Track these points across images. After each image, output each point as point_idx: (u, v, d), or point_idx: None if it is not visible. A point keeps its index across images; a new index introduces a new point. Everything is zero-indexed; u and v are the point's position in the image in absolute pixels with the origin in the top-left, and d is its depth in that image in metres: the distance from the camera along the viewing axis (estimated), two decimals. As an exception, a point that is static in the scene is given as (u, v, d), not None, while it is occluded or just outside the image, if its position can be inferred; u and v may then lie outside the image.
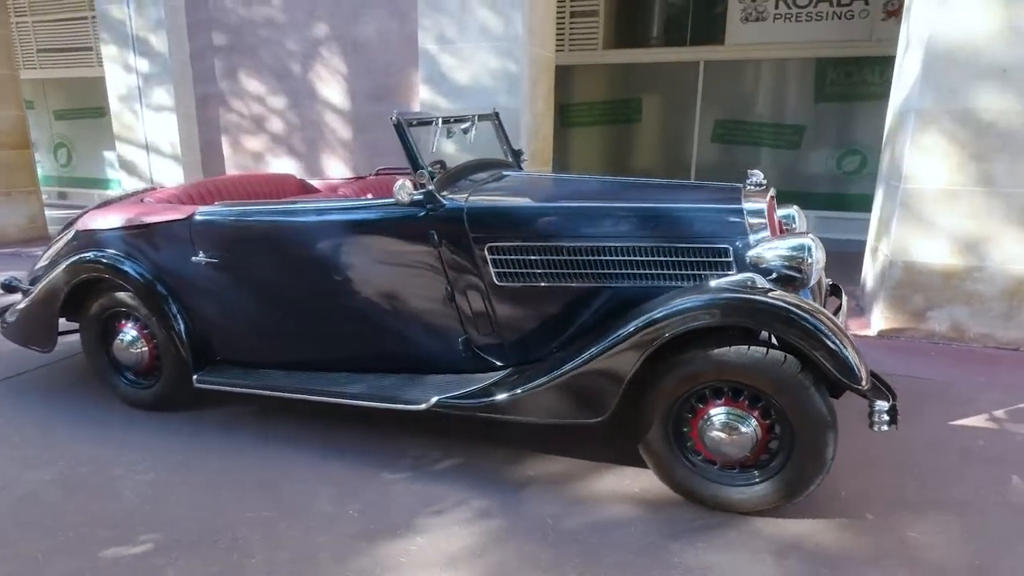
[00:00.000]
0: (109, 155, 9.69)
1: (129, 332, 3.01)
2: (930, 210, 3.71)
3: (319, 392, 2.64)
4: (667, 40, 7.10)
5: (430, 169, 2.50)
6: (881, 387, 2.12)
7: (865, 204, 6.25)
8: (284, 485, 2.45)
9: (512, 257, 2.47)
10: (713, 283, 2.17)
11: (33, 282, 3.25)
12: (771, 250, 2.29)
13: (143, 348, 2.99)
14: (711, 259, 2.35)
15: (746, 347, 2.05)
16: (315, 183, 3.93)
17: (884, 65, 6.40)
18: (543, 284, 2.47)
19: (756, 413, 2.13)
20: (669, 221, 2.39)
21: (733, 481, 2.20)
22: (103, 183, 10.22)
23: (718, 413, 2.15)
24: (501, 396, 2.34)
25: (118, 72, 5.80)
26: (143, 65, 5.63)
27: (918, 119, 3.64)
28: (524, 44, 4.50)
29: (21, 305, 3.20)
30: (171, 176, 5.82)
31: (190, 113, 5.79)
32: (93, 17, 8.99)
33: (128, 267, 2.85)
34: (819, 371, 2.01)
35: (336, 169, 5.50)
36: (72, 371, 3.60)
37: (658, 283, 2.39)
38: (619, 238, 2.40)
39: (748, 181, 2.58)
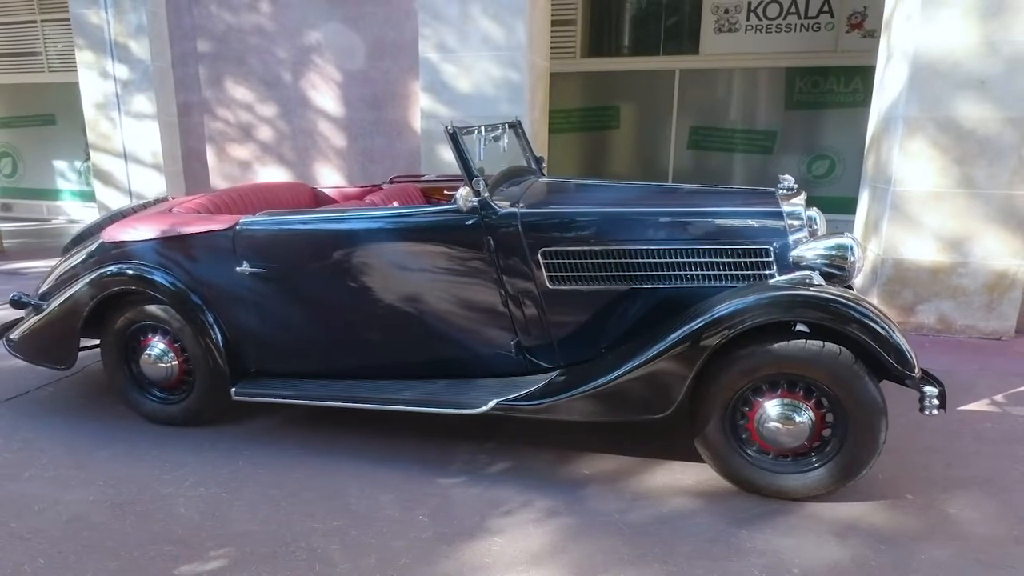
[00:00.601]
0: (59, 165, 9.27)
1: (156, 346, 2.93)
2: (918, 211, 3.97)
3: (369, 400, 2.63)
4: (643, 49, 7.31)
5: (484, 178, 2.54)
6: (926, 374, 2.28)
7: (835, 206, 6.61)
8: (343, 494, 2.44)
9: (565, 261, 2.54)
10: (772, 281, 2.30)
11: (43, 297, 3.13)
12: (812, 249, 2.44)
13: (172, 362, 2.92)
14: (753, 259, 2.49)
15: (803, 341, 2.18)
16: (327, 191, 3.91)
17: (849, 74, 6.78)
18: (594, 287, 2.55)
19: (810, 403, 2.26)
20: (714, 224, 2.51)
21: (789, 469, 2.32)
22: (52, 194, 9.74)
23: (774, 405, 2.27)
24: (564, 396, 2.40)
25: (94, 79, 5.59)
26: (122, 72, 5.45)
27: (905, 126, 3.90)
28: (526, 53, 4.58)
29: (34, 321, 3.07)
30: (152, 186, 5.64)
31: (172, 121, 5.63)
32: (44, 21, 8.61)
33: (163, 278, 2.79)
34: (874, 361, 2.15)
35: (330, 177, 5.45)
36: (80, 388, 3.46)
37: (703, 284, 2.51)
38: (667, 241, 2.51)
39: (780, 186, 2.74)
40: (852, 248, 2.37)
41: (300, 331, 2.76)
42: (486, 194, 2.51)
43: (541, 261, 2.54)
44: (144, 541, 2.17)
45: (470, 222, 2.52)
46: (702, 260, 2.50)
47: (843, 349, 2.16)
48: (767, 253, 2.49)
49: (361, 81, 5.16)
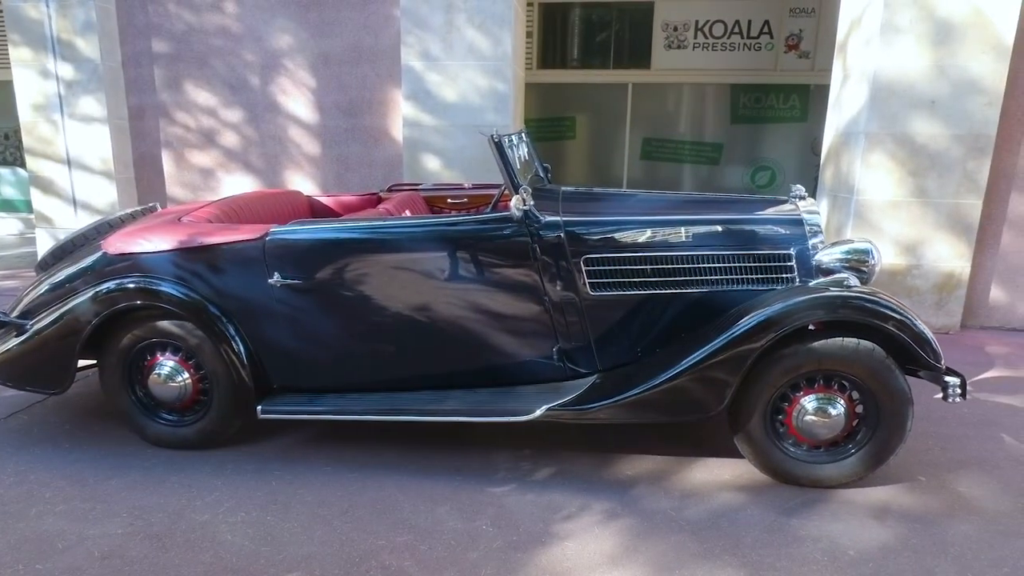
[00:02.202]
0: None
1: (166, 364, 2.75)
2: (878, 218, 4.34)
3: (410, 412, 2.60)
4: (598, 63, 7.55)
5: (528, 187, 2.57)
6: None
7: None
8: (396, 508, 2.40)
9: (605, 268, 2.61)
10: (813, 283, 2.46)
11: (25, 315, 2.86)
12: (830, 254, 2.64)
13: (186, 380, 2.75)
14: (778, 264, 2.66)
15: (841, 339, 2.36)
16: (324, 200, 3.80)
17: (787, 92, 7.29)
18: (632, 292, 2.64)
19: (844, 396, 2.44)
20: (744, 231, 2.67)
21: (824, 459, 2.49)
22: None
23: (811, 400, 2.44)
24: (614, 399, 2.46)
25: (32, 78, 5.14)
26: (66, 71, 5.05)
27: (867, 141, 4.26)
28: (511, 64, 4.64)
29: (19, 343, 2.80)
30: (101, 195, 5.25)
31: (123, 125, 5.27)
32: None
33: (183, 291, 2.63)
34: (903, 354, 2.35)
35: (302, 185, 5.28)
36: (59, 412, 3.19)
37: (733, 288, 2.66)
38: (701, 248, 2.64)
39: (792, 194, 2.94)
40: (872, 252, 2.58)
41: (336, 344, 2.67)
42: (531, 203, 2.54)
43: (583, 268, 2.60)
44: (203, 572, 2.04)
45: (517, 231, 2.55)
46: (733, 265, 2.65)
47: (875, 346, 2.35)
48: (789, 258, 2.67)
49: (336, 87, 5.04)
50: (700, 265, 2.64)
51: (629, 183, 7.65)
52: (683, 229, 2.65)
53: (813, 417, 2.44)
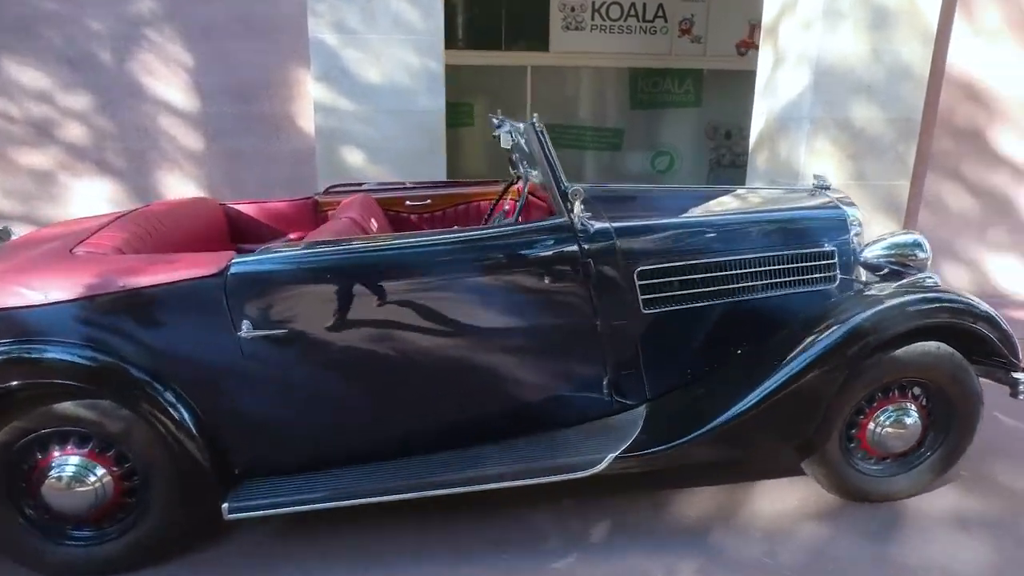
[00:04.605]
0: None
1: (69, 461, 1.92)
2: (822, 202, 4.37)
3: (438, 484, 2.02)
4: (495, 44, 7.08)
5: (577, 187, 2.08)
6: None
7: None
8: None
9: (660, 280, 2.22)
10: (895, 286, 2.24)
11: None
12: (874, 249, 2.46)
13: (103, 480, 1.94)
14: (823, 262, 2.44)
15: (922, 345, 2.16)
16: (242, 208, 2.99)
17: (682, 77, 7.34)
18: (686, 306, 2.27)
19: (916, 403, 2.26)
20: (794, 228, 2.42)
21: (894, 471, 2.31)
22: None
23: (887, 411, 2.24)
24: (690, 437, 2.08)
25: None
26: None
27: (812, 126, 4.25)
28: (442, 40, 4.04)
29: None
30: None
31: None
32: None
33: (83, 357, 1.81)
34: (984, 355, 2.22)
35: (182, 189, 4.28)
36: None
37: (781, 292, 2.39)
38: (753, 249, 2.34)
39: (815, 183, 2.73)
40: (922, 244, 2.43)
41: (335, 406, 2.01)
42: (581, 208, 2.06)
43: (637, 283, 2.18)
44: None
45: (566, 243, 2.06)
46: (785, 267, 2.38)
47: (953, 349, 2.19)
48: (833, 255, 2.46)
49: (221, 66, 4.10)
50: (754, 269, 2.33)
51: (534, 171, 7.31)
52: (736, 229, 2.32)
53: (889, 429, 2.24)
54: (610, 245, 2.11)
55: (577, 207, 2.03)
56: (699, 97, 7.40)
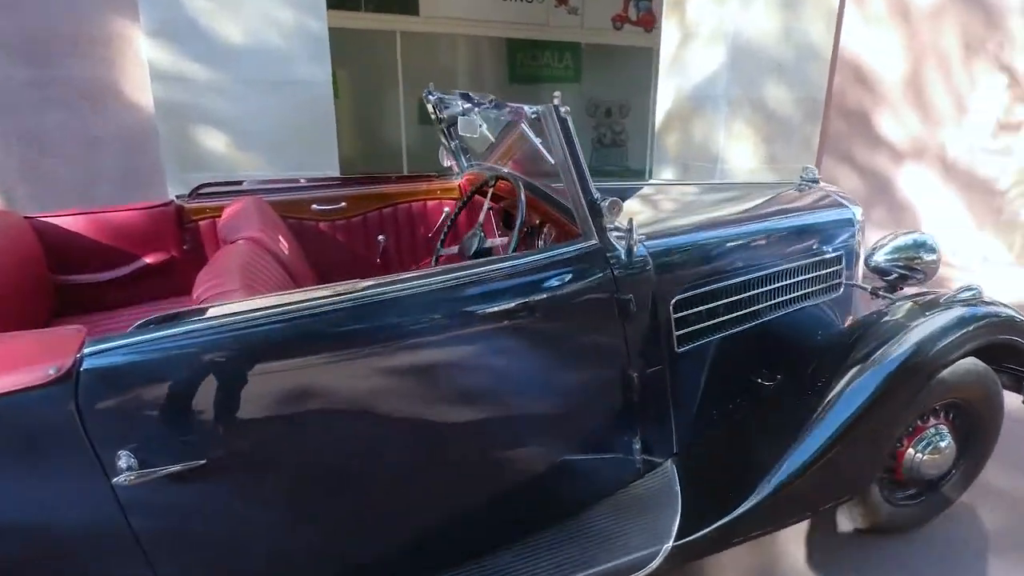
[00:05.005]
0: None
1: None
2: (738, 187, 4.23)
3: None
4: (355, 3, 6.17)
5: (614, 199, 1.53)
6: None
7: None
8: None
9: (694, 311, 1.77)
10: (946, 298, 1.96)
11: None
12: (882, 251, 2.21)
13: None
14: (833, 269, 2.16)
15: (968, 364, 1.94)
16: (61, 221, 2.07)
17: (561, 50, 6.97)
18: (715, 337, 1.85)
19: (948, 422, 2.06)
20: (811, 232, 2.10)
21: (925, 495, 2.10)
22: None
23: (923, 437, 2.00)
24: (749, 505, 1.67)
25: None
26: None
27: (729, 107, 4.05)
28: (325, -7, 3.23)
29: None
30: None
31: None
32: None
33: None
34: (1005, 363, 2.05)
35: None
36: None
37: (800, 305, 2.07)
38: (778, 261, 1.98)
39: (805, 177, 2.45)
40: (930, 244, 2.21)
41: (282, 542, 1.31)
42: (614, 224, 1.53)
43: (672, 316, 1.70)
44: None
45: (598, 273, 1.51)
46: (804, 278, 2.05)
47: (986, 364, 1.99)
48: (840, 260, 2.18)
49: None
50: (778, 284, 1.97)
51: (410, 153, 6.58)
52: (762, 240, 1.94)
53: (926, 456, 2.00)
54: (645, 271, 1.61)
55: (617, 225, 1.50)
56: (578, 72, 7.10)
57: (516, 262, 1.46)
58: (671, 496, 1.72)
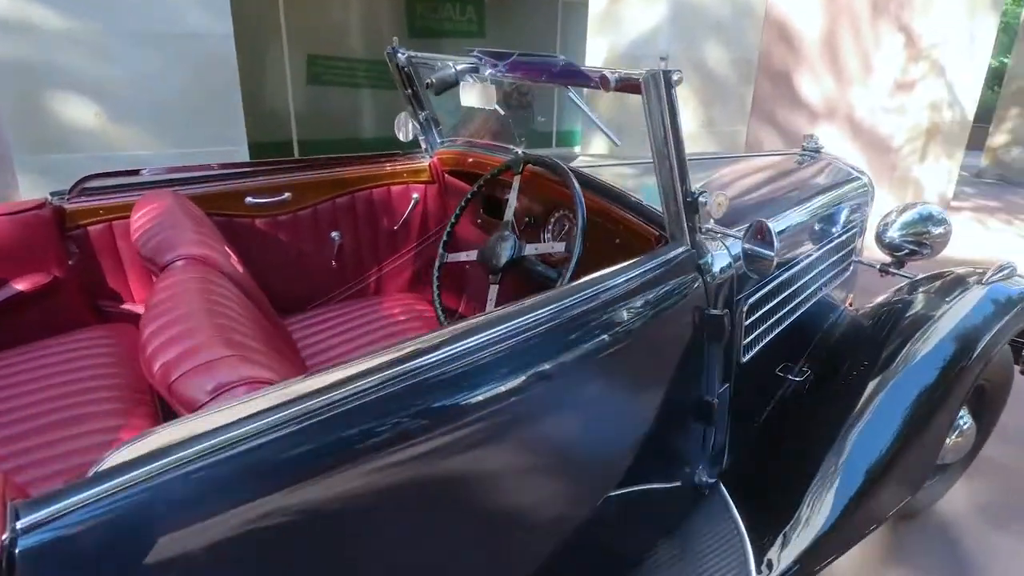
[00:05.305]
0: None
1: None
2: (678, 152, 4.06)
3: None
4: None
5: (718, 193, 1.20)
6: None
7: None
8: None
9: (760, 312, 1.51)
10: (987, 279, 1.83)
11: None
12: (891, 227, 2.09)
13: None
14: (850, 247, 2.03)
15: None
16: None
17: (463, 3, 6.42)
18: (769, 339, 1.61)
19: (968, 405, 1.99)
20: (842, 208, 1.92)
21: (937, 473, 2.05)
22: None
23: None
24: (826, 528, 1.47)
25: None
26: None
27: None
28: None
29: None
30: None
31: None
32: None
33: None
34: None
35: None
36: None
37: (825, 288, 1.90)
38: (817, 243, 1.78)
39: (805, 145, 2.26)
40: (938, 217, 2.10)
41: None
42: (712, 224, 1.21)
43: (743, 323, 1.43)
44: None
45: (688, 282, 1.20)
46: (835, 258, 1.89)
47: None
48: (855, 237, 2.04)
49: None
50: (819, 269, 1.78)
51: (298, 118, 5.82)
52: (818, 222, 1.73)
53: (951, 440, 1.92)
54: (730, 274, 1.32)
55: (712, 223, 1.18)
56: (482, 27, 6.60)
57: (609, 285, 1.10)
58: (733, 526, 1.49)
